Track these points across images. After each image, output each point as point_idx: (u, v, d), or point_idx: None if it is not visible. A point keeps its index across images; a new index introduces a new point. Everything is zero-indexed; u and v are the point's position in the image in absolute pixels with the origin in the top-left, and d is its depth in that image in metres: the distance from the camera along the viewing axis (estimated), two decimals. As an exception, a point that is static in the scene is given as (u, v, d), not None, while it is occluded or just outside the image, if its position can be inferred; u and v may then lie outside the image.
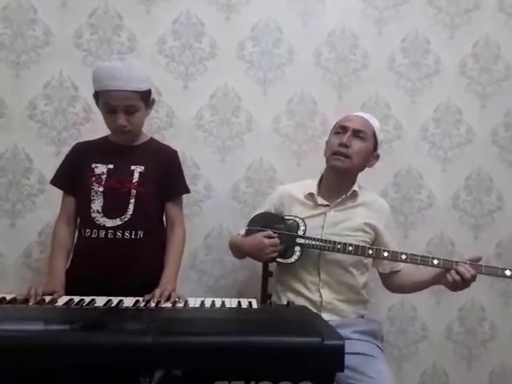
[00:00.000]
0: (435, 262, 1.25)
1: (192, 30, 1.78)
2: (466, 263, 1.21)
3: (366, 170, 1.83)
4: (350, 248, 1.30)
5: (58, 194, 1.53)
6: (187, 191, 1.44)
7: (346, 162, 1.39)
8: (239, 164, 1.83)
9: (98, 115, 1.69)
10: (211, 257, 1.80)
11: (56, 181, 1.35)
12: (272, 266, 1.55)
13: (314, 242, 1.34)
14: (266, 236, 1.35)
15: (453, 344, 1.90)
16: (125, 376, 0.68)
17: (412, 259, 1.28)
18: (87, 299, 1.01)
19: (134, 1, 1.75)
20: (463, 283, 1.20)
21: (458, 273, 1.20)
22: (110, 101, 1.23)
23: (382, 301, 1.85)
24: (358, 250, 1.30)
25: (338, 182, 1.44)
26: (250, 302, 1.03)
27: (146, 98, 1.29)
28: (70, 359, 0.68)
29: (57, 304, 0.99)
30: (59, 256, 1.27)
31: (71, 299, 1.02)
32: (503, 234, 1.94)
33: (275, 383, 0.68)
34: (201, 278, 1.79)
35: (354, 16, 1.87)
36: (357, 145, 1.40)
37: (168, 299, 1.09)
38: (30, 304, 0.99)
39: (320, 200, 1.44)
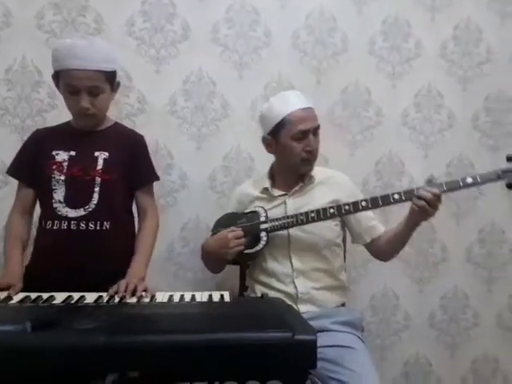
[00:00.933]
0: (396, 196, 1.20)
1: (163, 10, 1.69)
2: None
3: (347, 157, 1.82)
4: (313, 214, 1.25)
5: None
6: (156, 178, 1.36)
7: (314, 162, 1.39)
8: (215, 152, 1.75)
9: (63, 101, 1.58)
10: (188, 249, 1.74)
11: (13, 171, 1.26)
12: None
13: (277, 223, 1.30)
14: (228, 231, 1.31)
15: (436, 332, 1.88)
16: (75, 381, 0.61)
17: (373, 203, 1.23)
18: (45, 296, 0.94)
19: (101, -21, 1.65)
20: (430, 206, 1.14)
21: (420, 197, 1.14)
22: (71, 81, 1.14)
23: (364, 289, 1.82)
24: (320, 214, 1.25)
25: (296, 174, 1.40)
26: (221, 295, 0.97)
27: (111, 79, 1.20)
28: (14, 362, 0.61)
29: (11, 301, 0.91)
30: (15, 247, 1.18)
31: (27, 296, 0.94)
32: (484, 220, 1.92)
33: (242, 383, 0.62)
34: (178, 271, 1.72)
35: (333, -3, 1.80)
36: (317, 141, 1.37)
37: (134, 293, 1.02)
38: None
39: (276, 192, 1.40)
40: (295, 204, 1.35)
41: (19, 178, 1.25)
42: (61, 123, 1.31)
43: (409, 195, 1.19)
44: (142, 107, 1.68)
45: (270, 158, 1.74)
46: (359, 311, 1.44)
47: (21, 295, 0.97)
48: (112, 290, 1.03)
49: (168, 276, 1.70)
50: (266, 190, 1.41)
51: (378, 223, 1.39)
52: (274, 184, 1.43)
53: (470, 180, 1.17)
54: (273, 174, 1.46)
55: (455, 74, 1.88)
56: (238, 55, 1.75)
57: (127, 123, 1.58)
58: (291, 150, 1.34)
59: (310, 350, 0.64)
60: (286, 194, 1.39)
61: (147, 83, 1.68)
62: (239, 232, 1.30)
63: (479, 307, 1.90)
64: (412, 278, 1.86)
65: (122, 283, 1.05)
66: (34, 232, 1.31)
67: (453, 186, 1.19)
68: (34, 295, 0.95)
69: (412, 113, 1.87)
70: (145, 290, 1.04)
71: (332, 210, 1.25)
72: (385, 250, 1.36)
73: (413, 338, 1.86)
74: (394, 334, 1.85)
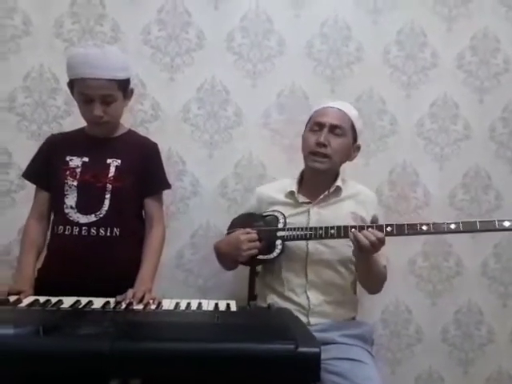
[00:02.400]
0: (424, 227, 1.17)
1: (178, 19, 1.71)
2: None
3: (361, 167, 1.80)
4: (332, 231, 1.22)
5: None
6: (168, 187, 1.37)
7: (326, 162, 1.31)
8: (227, 159, 1.76)
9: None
10: (198, 256, 1.74)
11: (28, 174, 1.28)
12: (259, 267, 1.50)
13: (295, 233, 1.27)
14: (242, 233, 1.29)
15: (449, 347, 1.83)
16: (77, 386, 0.61)
17: (398, 230, 1.19)
18: (54, 300, 0.94)
19: (118, -11, 1.69)
20: (372, 246, 1.13)
21: (366, 237, 1.14)
22: (85, 90, 1.16)
23: (375, 303, 1.78)
24: (341, 232, 1.21)
25: (318, 180, 1.37)
26: (228, 304, 0.96)
27: (124, 87, 1.21)
28: (18, 366, 0.61)
29: (20, 305, 0.93)
30: (29, 253, 1.20)
31: (36, 300, 0.95)
32: (501, 234, 1.87)
33: (243, 395, 0.62)
34: (187, 277, 1.72)
35: (348, 6, 1.80)
36: (335, 142, 1.31)
37: (141, 301, 1.02)
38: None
39: (301, 198, 1.36)
40: (319, 215, 1.32)
41: (35, 182, 1.27)
42: (75, 129, 1.33)
43: (438, 228, 1.16)
44: (155, 114, 1.70)
45: (282, 165, 1.76)
46: (370, 324, 1.41)
47: (30, 298, 0.98)
48: (120, 297, 1.04)
49: (177, 283, 1.71)
50: (291, 194, 1.37)
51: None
52: (300, 189, 1.39)
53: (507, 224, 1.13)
54: (301, 180, 1.42)
55: (472, 84, 1.85)
56: (251, 64, 1.76)
57: (141, 130, 1.60)
58: (305, 140, 1.36)
59: (314, 363, 0.62)
60: (310, 203, 1.36)
61: (161, 91, 1.70)
62: (253, 235, 1.28)
63: (494, 323, 1.85)
64: (425, 291, 1.82)
65: (130, 291, 1.06)
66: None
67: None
68: (42, 299, 0.96)
69: (427, 123, 1.84)
70: (153, 300, 1.04)
71: (353, 230, 1.20)
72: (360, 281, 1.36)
73: (425, 353, 1.82)
74: (405, 348, 1.81)
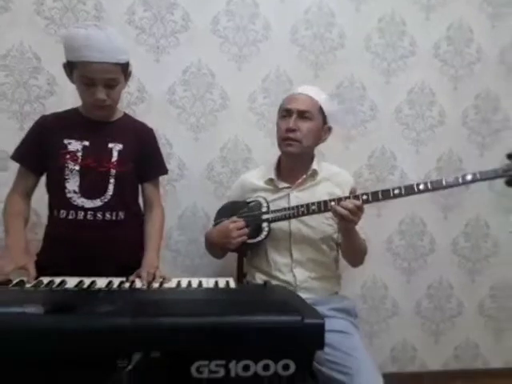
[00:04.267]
0: (396, 191, 1.22)
1: (163, 0, 1.69)
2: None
3: (341, 151, 1.87)
4: (314, 207, 1.29)
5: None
6: (165, 172, 1.39)
7: (297, 145, 1.36)
8: (213, 143, 1.78)
9: (62, 88, 1.62)
10: (185, 237, 1.77)
11: (18, 156, 1.25)
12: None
13: (278, 214, 1.33)
14: (230, 222, 1.34)
15: (421, 320, 1.97)
16: (102, 360, 0.64)
17: (373, 196, 1.24)
18: (57, 280, 0.96)
19: (101, -34, 1.64)
20: (352, 215, 1.19)
21: (342, 207, 1.20)
22: (88, 73, 1.13)
23: (355, 279, 1.88)
24: (321, 206, 1.28)
25: (294, 164, 1.43)
26: (227, 282, 1.01)
27: (125, 70, 1.20)
28: (43, 344, 0.64)
29: (26, 286, 0.94)
30: (18, 222, 1.18)
31: (39, 280, 0.97)
32: (470, 214, 2.00)
33: (256, 362, 0.67)
34: (176, 258, 1.76)
35: (332, -7, 1.83)
36: (304, 126, 1.35)
37: (153, 280, 1.05)
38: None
39: (280, 184, 1.42)
40: (298, 198, 1.38)
41: (22, 162, 1.24)
42: (68, 109, 1.30)
43: (409, 190, 1.22)
44: (141, 96, 1.70)
45: (268, 149, 1.79)
46: (352, 299, 1.50)
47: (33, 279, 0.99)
48: (132, 277, 1.07)
49: (166, 263, 1.73)
50: (270, 180, 1.43)
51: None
52: (279, 175, 1.44)
53: (469, 177, 1.20)
54: (279, 166, 1.48)
55: (447, 72, 1.94)
56: (237, 47, 1.77)
57: (128, 112, 1.57)
58: (277, 127, 1.41)
59: (319, 333, 0.69)
60: (290, 187, 1.41)
61: (147, 72, 1.68)
62: (241, 223, 1.33)
63: (463, 297, 2.00)
64: (400, 268, 1.94)
65: (142, 271, 1.09)
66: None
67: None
68: (46, 279, 0.97)
69: (405, 109, 1.92)
70: (163, 278, 1.08)
71: (332, 203, 1.27)
72: (344, 251, 1.42)
73: (400, 325, 1.95)
74: (382, 321, 1.93)
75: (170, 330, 0.66)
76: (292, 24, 1.82)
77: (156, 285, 1.02)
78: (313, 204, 1.29)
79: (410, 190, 1.22)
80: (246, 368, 0.67)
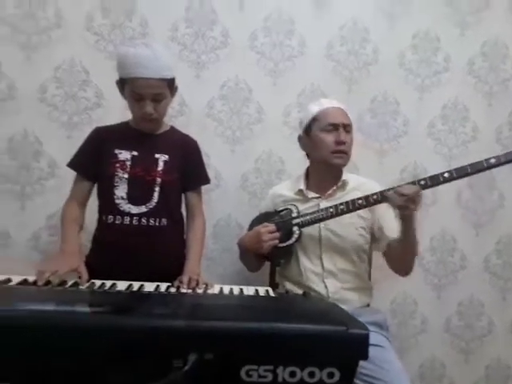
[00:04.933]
0: (422, 182, 1.25)
1: (205, 17, 1.78)
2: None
3: (374, 165, 1.89)
4: (342, 206, 1.32)
5: (68, 177, 1.53)
6: (207, 181, 1.46)
7: (346, 158, 1.42)
8: (248, 155, 1.84)
9: (109, 101, 1.71)
10: (219, 246, 1.83)
11: (74, 164, 1.34)
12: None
13: (308, 217, 1.37)
14: (261, 227, 1.39)
15: (451, 337, 1.95)
16: (158, 359, 0.69)
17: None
18: (108, 283, 1.02)
19: (147, -15, 1.74)
20: (410, 202, 1.18)
21: (398, 193, 1.20)
22: (137, 89, 1.21)
23: (385, 294, 1.89)
24: (350, 205, 1.31)
25: (329, 175, 1.47)
26: (266, 290, 1.05)
27: (171, 85, 1.28)
28: (104, 342, 0.69)
29: (80, 287, 1.01)
30: (73, 228, 1.26)
31: (93, 282, 1.03)
32: (502, 231, 1.98)
33: (302, 369, 0.71)
34: (210, 266, 1.80)
35: (366, 9, 1.88)
36: (348, 138, 1.42)
37: (196, 285, 1.11)
38: (54, 285, 0.99)
39: (310, 194, 1.46)
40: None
41: (78, 170, 1.33)
42: (119, 123, 1.39)
43: (435, 180, 1.26)
44: (181, 109, 1.77)
45: (300, 161, 1.83)
46: (383, 312, 1.51)
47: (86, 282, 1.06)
48: (176, 283, 1.12)
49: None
50: (300, 191, 1.48)
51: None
52: (308, 186, 1.49)
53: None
54: (308, 177, 1.52)
55: (481, 89, 1.94)
56: (273, 63, 1.83)
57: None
58: (322, 141, 1.41)
59: (363, 343, 0.72)
60: (319, 197, 1.45)
61: (187, 87, 1.75)
62: (272, 227, 1.37)
63: (494, 315, 1.97)
64: (430, 283, 1.93)
65: (185, 277, 1.15)
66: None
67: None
68: (98, 282, 1.04)
69: (438, 125, 1.93)
70: (206, 284, 1.13)
71: (360, 201, 1.30)
72: (395, 257, 1.39)
73: (429, 342, 1.93)
74: (411, 337, 1.92)
75: (223, 334, 0.70)
76: (327, 40, 1.87)
77: (200, 290, 1.07)
78: (341, 204, 1.32)
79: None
80: (293, 374, 0.71)
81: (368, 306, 1.45)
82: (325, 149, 1.42)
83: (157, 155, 1.30)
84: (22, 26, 1.67)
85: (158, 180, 1.28)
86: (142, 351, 0.70)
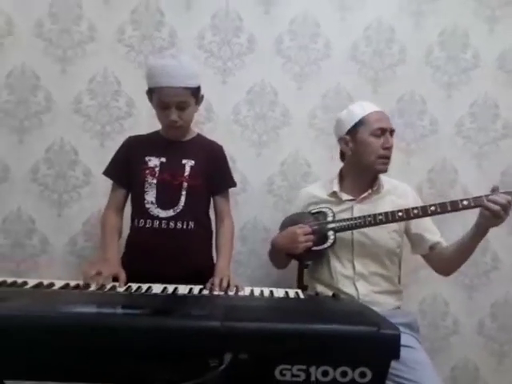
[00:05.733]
0: (465, 202, 1.23)
1: (230, 24, 1.82)
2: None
3: (401, 165, 1.88)
4: (381, 217, 1.32)
5: (102, 185, 1.61)
6: (234, 185, 1.49)
7: (388, 164, 1.43)
8: (274, 158, 1.86)
9: (139, 110, 1.78)
10: (246, 248, 1.86)
11: (109, 172, 1.41)
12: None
13: (344, 223, 1.37)
14: (297, 227, 1.40)
15: (484, 339, 1.91)
16: (195, 358, 0.73)
17: (442, 207, 1.26)
18: (144, 286, 1.07)
19: (175, -3, 1.79)
20: (503, 211, 1.17)
21: (493, 202, 1.19)
22: (162, 97, 1.27)
23: (414, 295, 1.87)
24: (389, 216, 1.31)
25: (366, 179, 1.47)
26: (296, 292, 1.07)
27: (196, 94, 1.33)
28: (144, 342, 0.73)
29: (118, 290, 1.06)
30: (113, 238, 1.33)
31: (129, 286, 1.09)
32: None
33: (335, 368, 0.73)
34: (237, 268, 1.84)
35: (391, 9, 1.87)
36: (392, 143, 1.43)
37: (228, 287, 1.15)
38: (94, 289, 1.05)
39: (344, 196, 1.46)
40: (362, 211, 1.41)
41: (115, 179, 1.41)
42: (151, 132, 1.46)
43: (478, 202, 1.23)
44: (208, 115, 1.82)
45: (326, 163, 1.85)
46: (414, 313, 1.50)
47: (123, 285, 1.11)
48: (207, 285, 1.17)
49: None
50: (334, 193, 1.48)
51: (439, 237, 1.44)
52: (342, 188, 1.49)
53: None
54: (341, 179, 1.52)
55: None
56: (298, 66, 1.85)
57: (196, 130, 1.71)
58: (370, 145, 1.40)
59: (395, 343, 0.73)
60: (353, 200, 1.45)
61: (214, 93, 1.80)
62: (308, 229, 1.38)
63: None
64: (461, 284, 1.90)
65: (216, 279, 1.19)
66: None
67: None
68: (134, 285, 1.09)
69: (467, 123, 1.90)
70: (236, 286, 1.16)
71: (400, 214, 1.30)
72: (449, 261, 1.39)
73: (461, 343, 1.90)
74: (442, 339, 1.90)
75: (257, 334, 0.73)
76: (352, 41, 1.87)
77: (231, 293, 1.11)
78: (380, 214, 1.33)
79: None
80: (325, 373, 0.73)
81: (398, 308, 1.45)
82: (372, 153, 1.41)
83: (184, 161, 1.35)
84: (58, 41, 1.76)
85: (185, 184, 1.33)
86: (180, 351, 0.73)
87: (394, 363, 1.16)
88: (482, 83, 1.90)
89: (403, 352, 1.20)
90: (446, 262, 1.41)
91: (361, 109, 1.45)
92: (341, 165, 1.58)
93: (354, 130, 1.44)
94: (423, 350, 1.28)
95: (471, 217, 1.31)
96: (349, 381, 0.73)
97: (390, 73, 1.88)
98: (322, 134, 1.87)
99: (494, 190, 1.23)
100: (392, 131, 1.43)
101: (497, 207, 1.18)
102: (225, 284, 1.16)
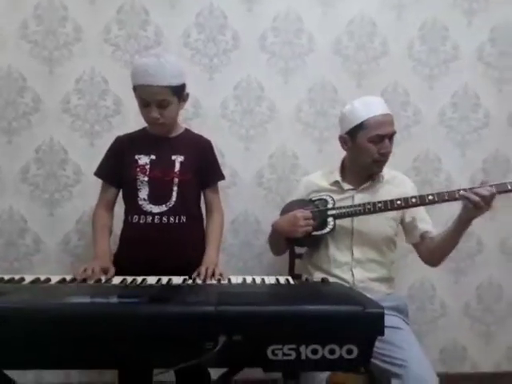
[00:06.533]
0: (461, 192, 1.27)
1: (215, 22, 1.84)
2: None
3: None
4: (380, 205, 1.36)
5: (93, 183, 1.63)
6: (222, 178, 1.53)
7: (384, 165, 1.47)
8: (263, 152, 1.90)
9: (127, 107, 1.80)
10: (238, 240, 1.90)
11: (100, 172, 1.44)
12: (298, 249, 1.65)
13: (344, 210, 1.41)
14: (298, 211, 1.43)
15: (470, 321, 1.98)
16: (191, 342, 0.77)
17: (439, 196, 1.31)
18: (139, 278, 1.11)
19: (159, -5, 1.81)
20: (484, 202, 1.22)
21: (476, 194, 1.23)
22: (143, 95, 1.30)
23: (403, 280, 1.93)
24: (388, 205, 1.36)
25: (366, 172, 1.50)
26: (287, 279, 1.12)
27: (178, 92, 1.35)
28: (143, 327, 0.77)
29: (114, 282, 1.09)
30: (104, 235, 1.37)
31: (125, 278, 1.12)
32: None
33: (323, 346, 0.77)
34: (230, 260, 1.88)
35: (373, 4, 1.91)
36: (391, 146, 1.44)
37: (212, 275, 1.19)
38: (91, 283, 1.09)
39: (346, 185, 1.51)
40: (363, 199, 1.45)
41: (106, 179, 1.43)
42: (138, 130, 1.48)
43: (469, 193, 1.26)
44: (196, 111, 1.85)
45: (313, 156, 1.89)
46: (403, 297, 1.56)
47: (118, 278, 1.14)
48: (195, 274, 1.21)
49: (221, 265, 1.80)
50: (336, 182, 1.51)
51: (430, 226, 1.47)
52: (343, 178, 1.52)
53: None
54: (343, 169, 1.56)
55: (491, 75, 1.96)
56: (283, 61, 1.89)
57: (184, 126, 1.74)
58: (366, 150, 1.42)
59: (379, 321, 0.78)
60: (354, 189, 1.50)
61: (201, 90, 1.83)
62: (308, 213, 1.42)
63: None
64: (448, 268, 1.96)
65: (202, 268, 1.23)
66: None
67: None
68: (129, 278, 1.12)
69: (449, 112, 1.96)
70: (221, 274, 1.21)
71: (399, 202, 1.35)
72: (435, 251, 1.44)
73: (449, 325, 1.97)
74: (430, 322, 1.96)
75: (249, 317, 0.77)
76: (335, 36, 1.91)
77: (213, 281, 1.15)
78: (379, 202, 1.37)
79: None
80: (315, 352, 0.78)
81: (389, 295, 1.50)
82: (368, 158, 1.43)
83: (173, 157, 1.38)
84: (43, 42, 1.77)
85: (176, 180, 1.36)
86: (177, 335, 0.77)
87: (382, 343, 1.23)
88: (462, 74, 1.96)
89: (391, 333, 1.27)
90: (432, 252, 1.45)
91: (364, 109, 1.42)
92: (329, 157, 1.62)
93: (353, 131, 1.44)
94: (411, 332, 1.33)
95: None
96: (337, 358, 0.78)
97: (374, 65, 1.93)
98: (309, 127, 1.91)
99: (483, 183, 1.28)
100: (392, 134, 1.44)
101: (477, 198, 1.23)
102: (210, 271, 1.20)
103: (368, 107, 1.43)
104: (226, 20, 1.85)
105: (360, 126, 1.42)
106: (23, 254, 1.80)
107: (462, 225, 1.32)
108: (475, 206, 1.24)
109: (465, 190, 1.28)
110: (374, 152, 1.42)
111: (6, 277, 1.07)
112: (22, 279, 1.06)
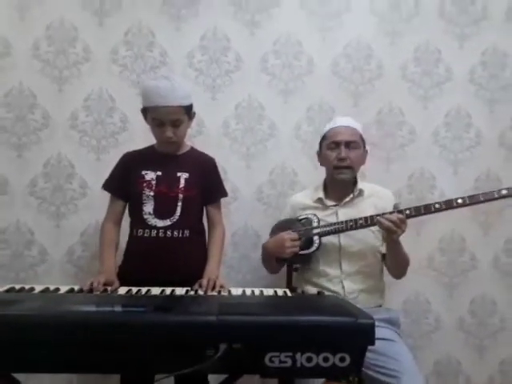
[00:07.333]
0: (437, 205, 1.39)
1: (219, 44, 1.93)
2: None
3: (382, 173, 2.00)
4: (361, 221, 1.44)
5: (98, 197, 1.70)
6: (225, 195, 1.60)
7: (349, 172, 1.56)
8: (263, 168, 1.97)
9: (133, 125, 1.87)
10: (238, 253, 1.95)
11: (108, 186, 1.50)
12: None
13: (328, 228, 1.50)
14: (285, 234, 1.51)
15: (465, 335, 2.02)
16: (193, 349, 0.82)
17: (416, 210, 1.40)
18: (144, 289, 1.16)
19: (165, 19, 1.91)
20: (396, 226, 1.35)
21: (386, 219, 1.36)
22: (157, 115, 1.38)
23: (398, 294, 1.97)
24: (368, 220, 1.44)
25: (343, 186, 1.61)
26: (284, 291, 1.17)
27: (188, 111, 1.43)
28: (148, 335, 0.82)
29: (119, 293, 1.15)
30: (110, 250, 1.43)
31: (130, 289, 1.17)
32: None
33: (318, 355, 0.82)
34: (229, 273, 1.93)
35: (369, 29, 2.00)
36: (353, 154, 1.55)
37: (213, 287, 1.24)
38: (97, 293, 1.14)
39: (329, 202, 1.60)
40: (346, 214, 1.54)
41: (113, 192, 1.50)
42: (146, 147, 1.55)
43: (448, 204, 1.40)
44: (200, 130, 1.92)
45: (312, 172, 1.96)
46: (396, 310, 1.61)
47: (124, 288, 1.20)
48: (196, 285, 1.26)
49: (221, 277, 1.90)
50: (319, 200, 1.62)
51: None
52: (326, 195, 1.63)
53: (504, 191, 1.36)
54: (326, 186, 1.66)
55: (483, 96, 2.04)
56: (283, 83, 1.97)
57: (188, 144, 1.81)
58: (327, 158, 1.59)
59: (370, 331, 0.83)
60: (337, 205, 1.59)
61: (204, 109, 1.90)
62: (295, 235, 1.50)
63: (506, 312, 2.04)
64: (443, 283, 2.01)
65: (204, 280, 1.28)
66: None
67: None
68: (134, 289, 1.18)
69: (442, 132, 2.04)
70: (221, 286, 1.26)
71: (378, 217, 1.42)
72: (388, 267, 1.58)
73: (443, 339, 2.01)
74: (425, 335, 2.00)
75: (249, 327, 0.82)
76: (333, 58, 2.00)
77: (214, 292, 1.20)
78: (360, 219, 1.45)
79: (449, 204, 1.36)
80: (309, 359, 0.83)
81: (380, 306, 1.56)
82: (329, 165, 1.59)
83: (178, 173, 1.45)
84: (54, 62, 1.85)
85: (180, 196, 1.43)
86: (180, 343, 0.82)
87: (376, 355, 1.28)
88: (455, 95, 2.04)
89: (385, 345, 1.32)
90: (387, 268, 1.58)
91: (329, 125, 1.64)
92: (323, 174, 1.70)
93: (320, 144, 1.66)
94: (404, 344, 1.38)
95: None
96: (330, 365, 0.83)
97: (370, 87, 2.01)
98: (307, 145, 1.98)
99: (395, 208, 1.40)
100: (350, 143, 1.55)
101: (387, 223, 1.35)
102: (211, 283, 1.26)
103: (333, 122, 1.64)
104: (229, 43, 1.94)
105: (323, 138, 1.63)
106: (29, 264, 1.85)
107: (390, 245, 1.46)
108: (387, 230, 1.36)
109: (378, 215, 1.39)
110: (333, 158, 1.55)
111: (17, 286, 1.13)
112: (33, 289, 1.11)
